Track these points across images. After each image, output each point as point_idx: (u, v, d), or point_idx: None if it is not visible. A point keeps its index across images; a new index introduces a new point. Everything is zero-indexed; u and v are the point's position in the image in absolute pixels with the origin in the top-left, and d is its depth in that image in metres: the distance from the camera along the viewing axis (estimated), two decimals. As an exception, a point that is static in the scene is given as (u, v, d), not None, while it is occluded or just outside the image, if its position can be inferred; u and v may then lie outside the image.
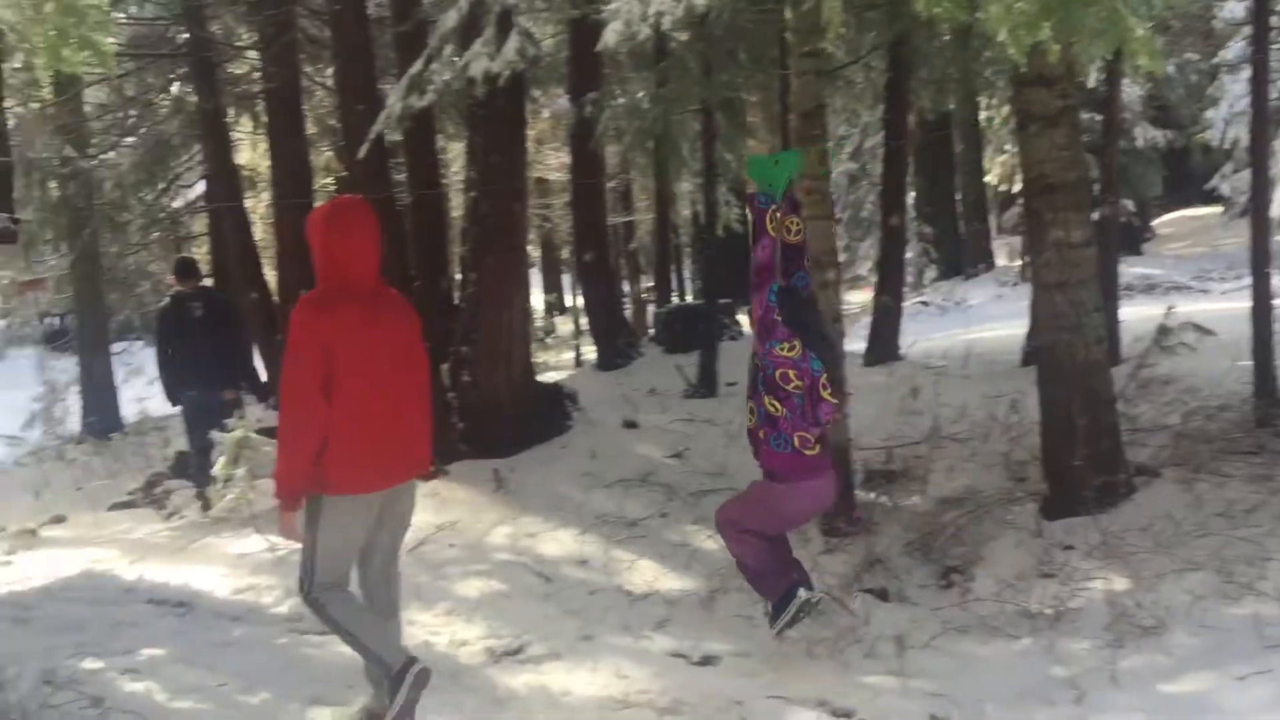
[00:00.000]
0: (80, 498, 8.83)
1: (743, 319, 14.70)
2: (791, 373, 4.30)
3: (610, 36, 5.05)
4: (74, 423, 13.46)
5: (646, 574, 5.94)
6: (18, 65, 9.77)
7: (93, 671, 4.93)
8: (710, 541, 6.29)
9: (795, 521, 4.82)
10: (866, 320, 12.19)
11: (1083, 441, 5.63)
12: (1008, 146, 18.43)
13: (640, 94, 10.28)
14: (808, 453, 4.39)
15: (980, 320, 13.32)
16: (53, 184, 11.12)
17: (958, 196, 21.18)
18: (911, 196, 18.53)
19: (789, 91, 7.71)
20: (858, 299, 17.88)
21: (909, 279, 16.84)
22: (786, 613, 4.62)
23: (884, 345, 11.17)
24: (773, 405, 4.37)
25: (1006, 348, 10.43)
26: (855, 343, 10.38)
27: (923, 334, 12.31)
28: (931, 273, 20.24)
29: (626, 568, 6.02)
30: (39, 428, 13.19)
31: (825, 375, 4.30)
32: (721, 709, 4.43)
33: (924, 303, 17.24)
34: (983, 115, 19.68)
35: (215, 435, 7.62)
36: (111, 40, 2.56)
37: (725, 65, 9.50)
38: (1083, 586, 5.10)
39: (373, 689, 4.38)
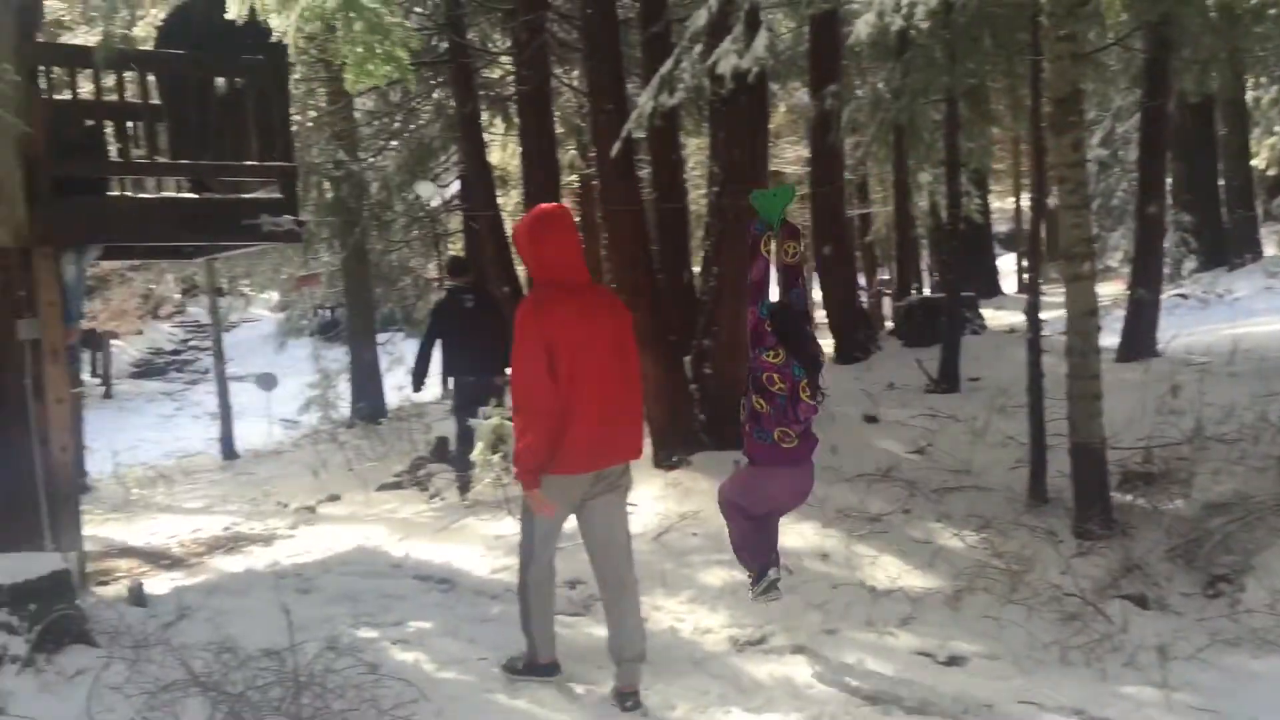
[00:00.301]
0: (352, 478, 9.52)
1: (986, 313, 14.28)
2: (775, 376, 4.79)
3: (862, 29, 5.05)
4: (344, 408, 14.51)
5: (889, 570, 5.91)
6: (297, 77, 10.62)
7: (369, 640, 5.34)
8: (955, 540, 6.20)
9: (774, 500, 5.24)
10: (1119, 314, 11.61)
11: (1371, 447, 5.23)
12: (1278, 128, 17.06)
13: (882, 86, 10.16)
14: (785, 445, 4.88)
15: (1247, 314, 12.45)
16: (327, 186, 12.01)
17: (1220, 182, 19.78)
18: (1169, 183, 17.43)
19: (1039, 77, 7.47)
20: (1108, 291, 17.01)
21: (1165, 270, 15.88)
22: (759, 585, 5.10)
23: (1139, 340, 10.61)
24: (759, 403, 4.81)
25: (1278, 343, 9.73)
26: (1108, 337, 9.91)
27: (1182, 329, 11.61)
28: (1191, 263, 18.97)
29: (869, 563, 6.01)
30: (314, 412, 14.29)
31: (805, 380, 4.77)
32: (970, 711, 4.38)
33: (1183, 295, 16.20)
34: (1249, 95, 18.29)
35: (473, 423, 8.08)
36: (408, 53, 2.81)
37: (970, 53, 9.26)
38: (1371, 602, 4.76)
39: (615, 667, 4.63)
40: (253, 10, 3.91)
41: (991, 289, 22.30)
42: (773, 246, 4.92)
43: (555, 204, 5.13)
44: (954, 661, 4.88)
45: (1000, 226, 32.15)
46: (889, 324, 14.79)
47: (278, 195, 7.31)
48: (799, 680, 4.76)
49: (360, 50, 2.82)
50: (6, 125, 5.54)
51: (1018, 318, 14.77)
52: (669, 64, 6.32)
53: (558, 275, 4.44)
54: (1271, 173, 18.09)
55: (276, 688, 4.33)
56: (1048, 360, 7.40)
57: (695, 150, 15.96)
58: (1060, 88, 6.47)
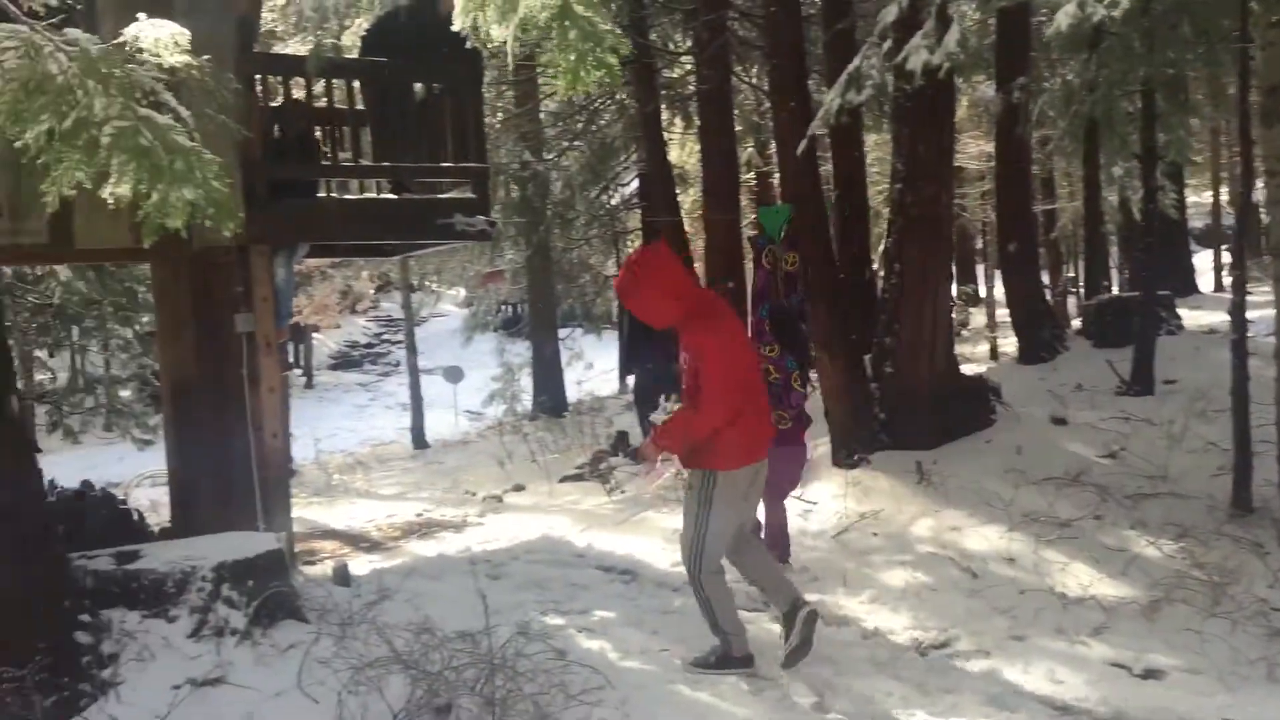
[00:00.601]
0: (535, 469, 9.81)
1: (1183, 312, 13.62)
2: (771, 368, 5.78)
3: (1062, 20, 4.92)
4: (527, 401, 14.93)
5: (1080, 577, 5.74)
6: (487, 80, 10.97)
7: (556, 627, 5.53)
8: (1151, 548, 5.98)
9: (777, 478, 5.79)
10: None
11: None
12: None
13: (1073, 77, 9.81)
14: (780, 426, 5.65)
15: None
16: (513, 186, 12.39)
17: None
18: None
19: (1247, 66, 7.11)
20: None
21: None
22: None
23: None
24: None
25: None
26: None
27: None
28: None
29: (1059, 569, 5.85)
30: (498, 405, 14.75)
31: (798, 372, 5.80)
32: (1170, 726, 4.24)
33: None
34: None
35: (653, 417, 8.21)
36: (618, 59, 2.92)
37: (1169, 41, 8.85)
38: None
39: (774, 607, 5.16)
40: (468, 20, 4.10)
41: (1187, 287, 21.16)
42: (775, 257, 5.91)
43: (649, 246, 5.76)
44: (1151, 674, 4.71)
45: (1196, 222, 30.53)
46: (1075, 323, 14.24)
47: (471, 195, 7.62)
48: (985, 687, 4.69)
49: (574, 57, 2.95)
50: (229, 131, 5.94)
51: (1216, 317, 14.03)
52: (857, 61, 6.30)
53: (696, 295, 4.96)
54: None
55: (471, 669, 4.52)
56: (1254, 364, 7.04)
57: (873, 147, 15.76)
58: (1271, 76, 6.16)
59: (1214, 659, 4.70)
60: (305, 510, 8.57)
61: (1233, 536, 5.96)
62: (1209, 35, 8.59)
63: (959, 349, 14.60)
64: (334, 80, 7.30)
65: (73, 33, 2.92)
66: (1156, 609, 5.27)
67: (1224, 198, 24.27)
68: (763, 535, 6.22)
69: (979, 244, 25.77)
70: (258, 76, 7.03)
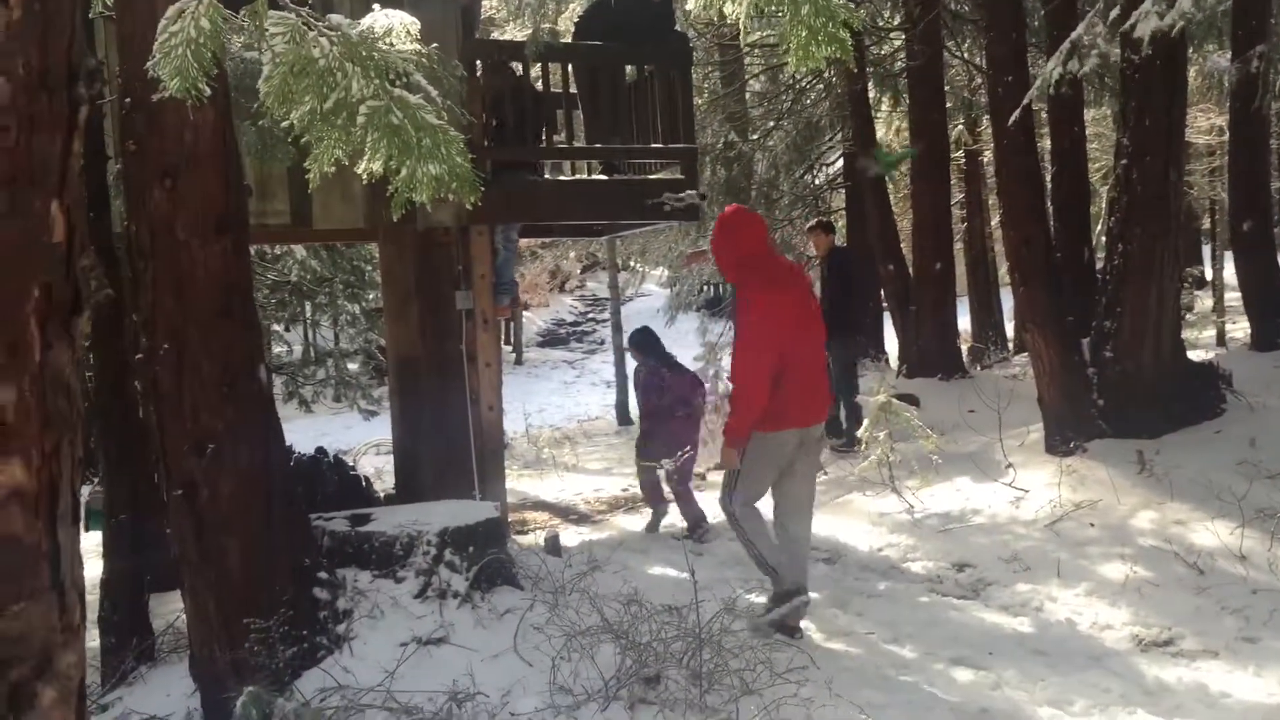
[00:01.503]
0: (735, 449, 9.86)
1: None
2: None
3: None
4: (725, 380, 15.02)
5: (1322, 579, 5.39)
6: (695, 60, 11.03)
7: (761, 604, 5.58)
8: (1407, 553, 5.56)
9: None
10: None
11: None
12: None
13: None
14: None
15: None
16: (719, 167, 12.44)
17: None
18: None
19: None
20: None
21: None
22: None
23: None
24: None
25: None
26: None
27: None
28: None
29: (1295, 569, 5.51)
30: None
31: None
32: None
33: None
34: None
35: (860, 399, 8.16)
36: (850, 33, 2.92)
37: None
38: None
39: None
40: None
41: None
42: None
43: (735, 206, 5.62)
44: (1403, 686, 4.40)
45: None
46: (1319, 308, 13.25)
47: (679, 176, 7.73)
48: (1213, 688, 4.48)
49: (805, 34, 2.96)
50: (454, 115, 6.21)
51: None
52: (1081, 28, 6.06)
53: (761, 262, 5.17)
54: None
55: (679, 642, 4.63)
56: None
57: (1092, 122, 15.05)
58: None
59: None
60: (517, 482, 8.89)
61: None
62: None
63: (1186, 334, 13.85)
64: (550, 64, 7.50)
65: (334, 18, 3.13)
66: None
67: None
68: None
69: (1206, 224, 24.28)
70: (479, 62, 7.31)
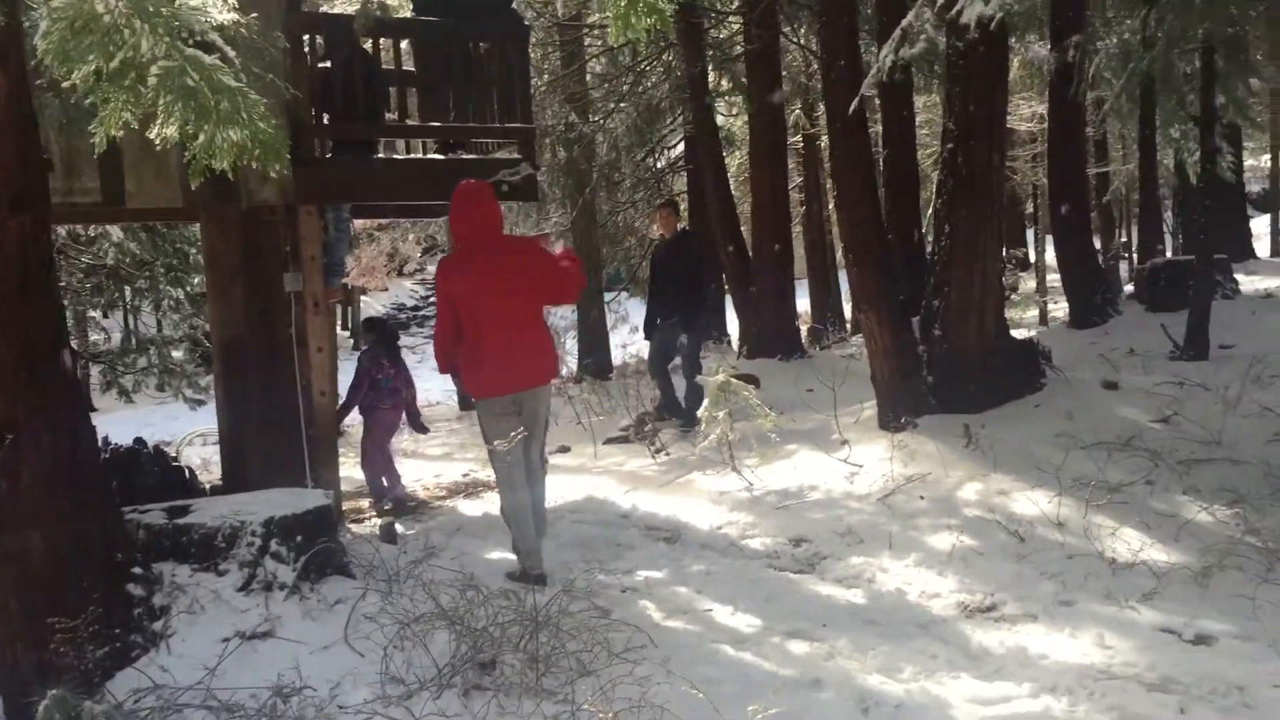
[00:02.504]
0: (580, 431, 9.83)
1: (1239, 277, 13.37)
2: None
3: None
4: (572, 364, 14.98)
5: (1130, 542, 5.66)
6: (533, 41, 10.91)
7: (601, 586, 5.56)
8: (1204, 514, 5.89)
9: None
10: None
11: None
12: None
13: (1129, 35, 9.60)
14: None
15: None
16: (559, 149, 12.36)
17: None
18: None
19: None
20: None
21: None
22: None
23: None
24: None
25: None
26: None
27: None
28: None
29: (1108, 534, 5.77)
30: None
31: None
32: (1219, 692, 4.17)
33: None
34: None
35: (699, 379, 8.22)
36: (669, 6, 2.88)
37: (1230, -2, 8.62)
38: None
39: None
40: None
41: (1244, 252, 20.79)
42: None
43: (471, 181, 5.83)
44: (1201, 640, 4.65)
45: (1254, 186, 29.89)
46: (1128, 288, 14.04)
47: (516, 156, 7.61)
48: (1032, 650, 4.65)
49: (624, 4, 2.90)
50: (276, 90, 5.95)
51: (1273, 282, 13.78)
52: (910, 15, 6.19)
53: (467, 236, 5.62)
54: None
55: (516, 626, 4.58)
56: (1312, 328, 6.90)
57: (923, 108, 15.54)
58: (1338, 33, 5.98)
59: (1267, 626, 4.63)
60: (354, 470, 8.66)
61: (1289, 503, 5.86)
62: (1273, -11, 8.37)
63: (1011, 313, 14.45)
64: (381, 40, 7.28)
65: (125, -28, 2.93)
66: (1208, 575, 5.19)
67: (1285, 160, 23.72)
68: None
69: (1029, 208, 25.41)
70: (306, 36, 7.04)
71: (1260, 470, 6.38)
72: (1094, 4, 11.01)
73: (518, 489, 5.69)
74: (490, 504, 7.60)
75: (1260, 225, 25.33)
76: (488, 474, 8.39)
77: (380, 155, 7.64)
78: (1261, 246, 22.63)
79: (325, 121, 7.16)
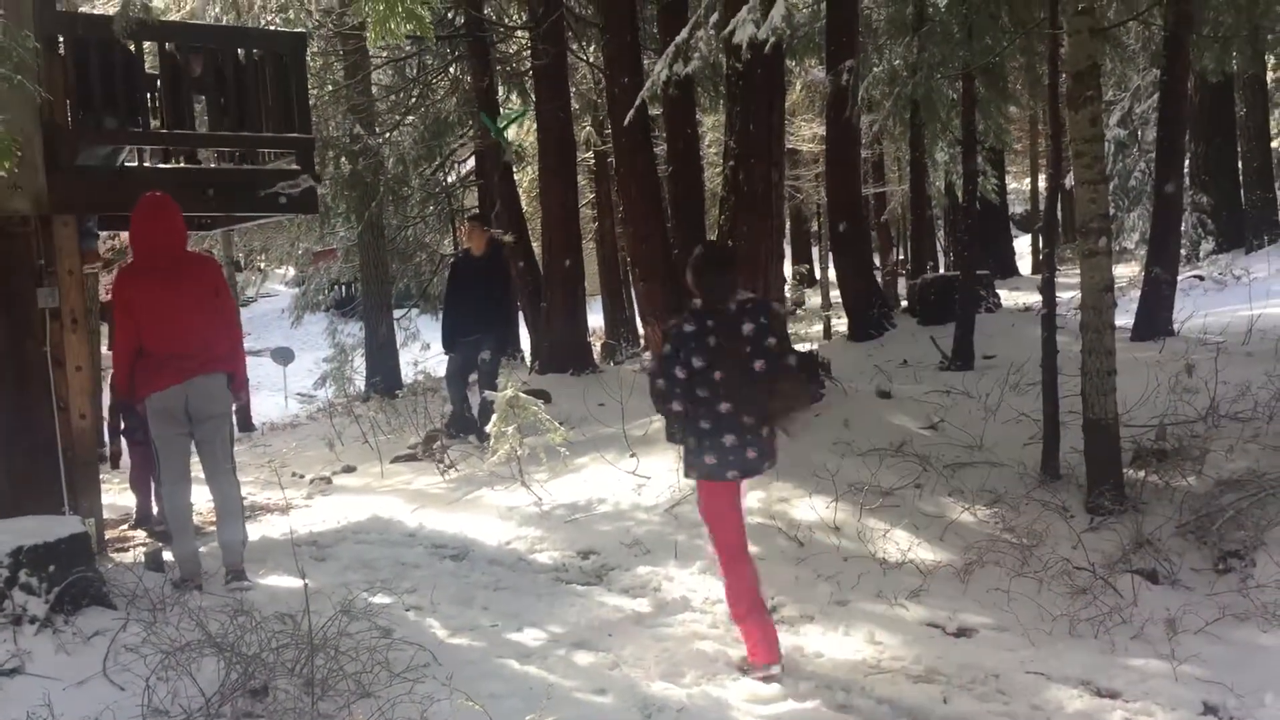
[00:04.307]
0: (367, 450, 9.57)
1: (1002, 292, 14.27)
2: None
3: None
4: (360, 382, 14.60)
5: (900, 543, 5.93)
6: (314, 50, 10.62)
7: (383, 606, 5.41)
8: (967, 514, 6.22)
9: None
10: (1135, 294, 11.57)
11: (1386, 424, 5.21)
12: (1301, 108, 16.91)
13: (898, 61, 10.12)
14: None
15: (1264, 296, 12.36)
16: (344, 160, 12.04)
17: (1239, 164, 19.61)
18: (1187, 164, 17.31)
19: (1057, 54, 7.44)
20: (1125, 273, 16.95)
21: (1183, 251, 15.75)
22: None
23: (1154, 320, 10.56)
24: None
25: (1296, 324, 9.69)
26: (1124, 318, 9.89)
27: (1197, 310, 11.55)
28: (1208, 245, 18.86)
29: (880, 536, 6.03)
30: (329, 386, 14.35)
31: None
32: (977, 680, 4.41)
33: (1198, 277, 16.08)
34: (1270, 76, 18.15)
35: (488, 395, 8.13)
36: (429, 11, 2.83)
37: (987, 29, 9.22)
38: (1383, 579, 4.75)
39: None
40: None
41: (1007, 269, 22.27)
42: None
43: (155, 193, 5.91)
44: (963, 633, 4.92)
45: (1017, 208, 32.08)
46: (904, 302, 14.77)
47: (295, 167, 7.36)
48: (808, 650, 4.81)
49: (382, 7, 2.84)
50: (27, 93, 5.58)
51: (1033, 298, 14.74)
52: (684, 33, 6.33)
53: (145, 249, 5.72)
54: (1293, 155, 17.91)
55: (291, 649, 4.39)
56: (1062, 339, 7.39)
57: (711, 128, 15.94)
58: (1078, 61, 6.45)
59: (1021, 616, 4.93)
60: (120, 496, 8.16)
61: (1041, 501, 6.24)
62: (1025, 24, 8.99)
63: (796, 328, 14.96)
64: (144, 43, 6.92)
65: None
66: (970, 571, 5.48)
67: (1042, 184, 25.50)
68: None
69: (814, 226, 26.43)
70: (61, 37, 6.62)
71: (1017, 471, 6.79)
72: (867, 31, 11.56)
73: (180, 490, 5.79)
74: (267, 526, 7.31)
75: (1022, 244, 27.18)
76: (266, 496, 8.06)
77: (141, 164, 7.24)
78: (1023, 264, 24.25)
79: (104, 127, 6.75)
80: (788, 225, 25.70)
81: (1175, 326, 10.70)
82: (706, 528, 4.81)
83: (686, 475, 4.75)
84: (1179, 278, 11.89)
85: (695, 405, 4.53)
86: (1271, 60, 16.50)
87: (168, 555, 6.25)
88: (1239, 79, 17.81)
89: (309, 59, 9.39)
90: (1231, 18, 9.44)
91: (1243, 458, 6.43)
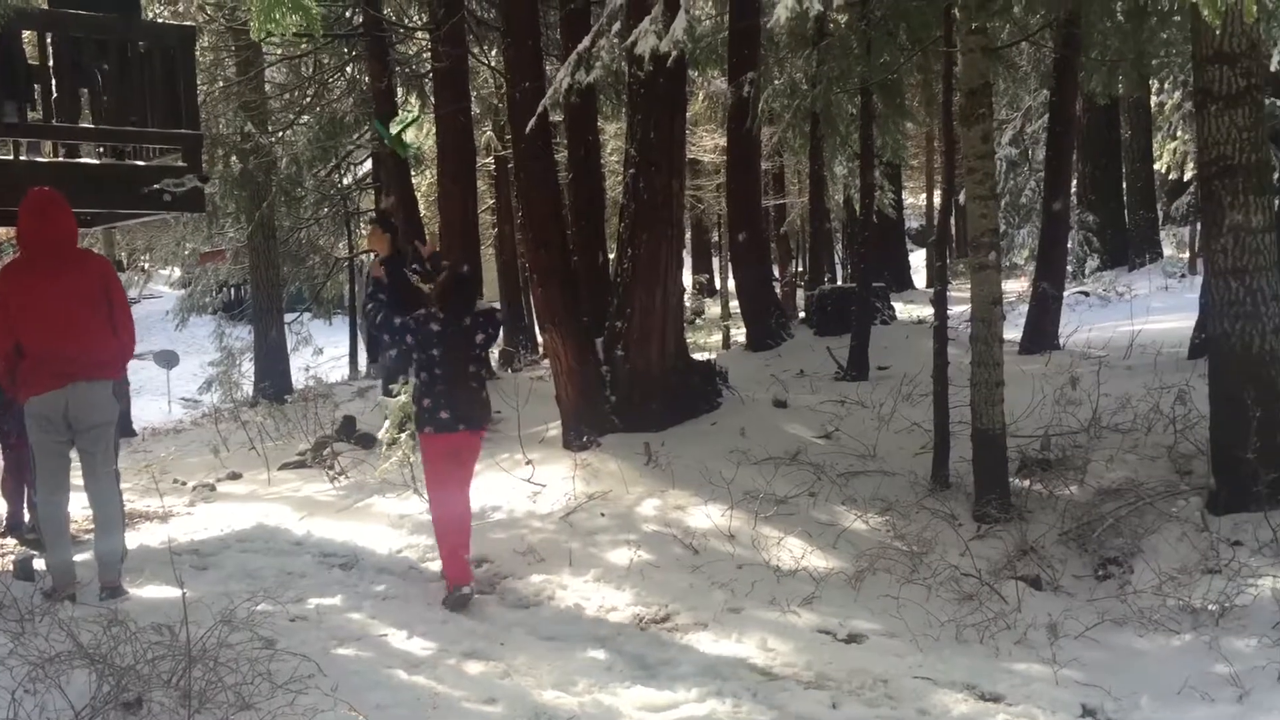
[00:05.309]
0: (254, 457, 9.32)
1: (897, 305, 14.51)
2: None
3: (781, 14, 5.04)
4: (248, 387, 14.21)
5: (794, 551, 5.97)
6: (205, 44, 10.32)
7: (266, 616, 5.23)
8: (859, 522, 6.30)
9: None
10: (1024, 309, 11.89)
11: (1255, 434, 5.41)
12: (1180, 132, 17.57)
13: (799, 74, 10.23)
14: None
15: (1145, 312, 12.83)
16: (234, 159, 11.72)
17: (1124, 184, 20.36)
18: (1075, 184, 17.89)
19: (952, 72, 7.60)
20: (1015, 288, 17.41)
21: (1069, 268, 16.28)
22: None
23: (1041, 334, 10.88)
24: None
25: (1173, 339, 10.05)
26: (1013, 331, 10.15)
27: (1082, 324, 11.93)
28: (1093, 262, 19.53)
29: (774, 544, 6.06)
30: (216, 391, 13.95)
31: None
32: (866, 686, 4.45)
33: (1084, 293, 16.63)
34: (1154, 99, 18.87)
35: (380, 400, 7.97)
36: (317, 6, 2.73)
37: (885, 45, 9.38)
38: (1250, 583, 4.92)
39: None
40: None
41: (903, 282, 22.70)
42: None
43: (45, 189, 5.66)
44: (853, 639, 4.96)
45: (914, 223, 32.79)
46: (802, 313, 14.94)
47: (181, 164, 7.14)
48: (702, 658, 4.80)
49: (268, -1, 2.74)
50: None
51: (928, 310, 14.99)
52: (586, 41, 6.29)
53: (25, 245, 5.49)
54: (1173, 176, 18.63)
55: (167, 661, 4.23)
56: (954, 351, 7.55)
57: (614, 136, 15.94)
58: (971, 80, 6.59)
59: (909, 622, 4.99)
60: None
61: (931, 509, 6.36)
62: (922, 42, 9.17)
63: (696, 337, 15.03)
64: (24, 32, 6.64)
65: None
66: (861, 578, 5.54)
67: (938, 199, 26.07)
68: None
69: (715, 236, 26.60)
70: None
71: (908, 480, 6.90)
72: (768, 45, 11.66)
73: (57, 500, 5.51)
74: (146, 535, 7.05)
75: (919, 258, 27.77)
76: (145, 504, 7.78)
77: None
78: (919, 277, 24.76)
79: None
80: (689, 235, 25.83)
81: (1061, 340, 11.03)
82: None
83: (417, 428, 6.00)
84: (1066, 293, 12.29)
85: (423, 377, 5.79)
86: (1155, 85, 17.13)
87: (39, 564, 5.98)
88: (1125, 102, 18.47)
89: (199, 53, 9.12)
90: (1118, 42, 9.75)
91: (1122, 467, 6.63)
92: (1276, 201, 6.32)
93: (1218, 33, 5.55)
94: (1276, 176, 9.04)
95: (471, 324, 5.84)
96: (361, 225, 15.63)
